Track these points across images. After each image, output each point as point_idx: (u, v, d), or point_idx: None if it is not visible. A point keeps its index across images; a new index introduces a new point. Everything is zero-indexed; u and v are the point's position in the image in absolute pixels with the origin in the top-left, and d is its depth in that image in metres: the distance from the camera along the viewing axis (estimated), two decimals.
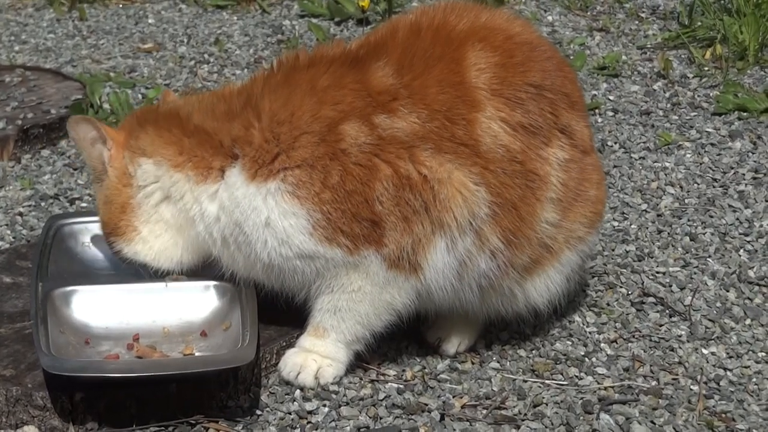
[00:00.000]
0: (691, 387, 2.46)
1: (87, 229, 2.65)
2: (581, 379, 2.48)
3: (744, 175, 3.39)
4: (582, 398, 2.41)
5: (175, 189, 2.40)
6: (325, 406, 2.36)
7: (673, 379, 2.48)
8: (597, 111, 3.84)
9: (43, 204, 3.24)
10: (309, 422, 2.32)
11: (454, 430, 2.30)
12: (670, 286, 2.83)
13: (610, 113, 3.84)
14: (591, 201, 2.49)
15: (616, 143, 3.61)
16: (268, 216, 2.30)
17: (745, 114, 3.78)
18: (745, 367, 2.53)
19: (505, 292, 2.46)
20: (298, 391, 2.39)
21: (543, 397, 2.41)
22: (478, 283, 2.41)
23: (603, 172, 2.62)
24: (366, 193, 2.29)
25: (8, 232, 3.08)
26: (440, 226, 2.33)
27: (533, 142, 2.39)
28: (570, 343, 2.61)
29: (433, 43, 2.40)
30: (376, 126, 2.31)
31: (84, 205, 3.24)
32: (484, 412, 2.36)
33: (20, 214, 3.19)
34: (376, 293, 2.36)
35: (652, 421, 2.34)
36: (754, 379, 2.49)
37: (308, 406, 2.35)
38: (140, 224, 2.44)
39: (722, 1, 4.54)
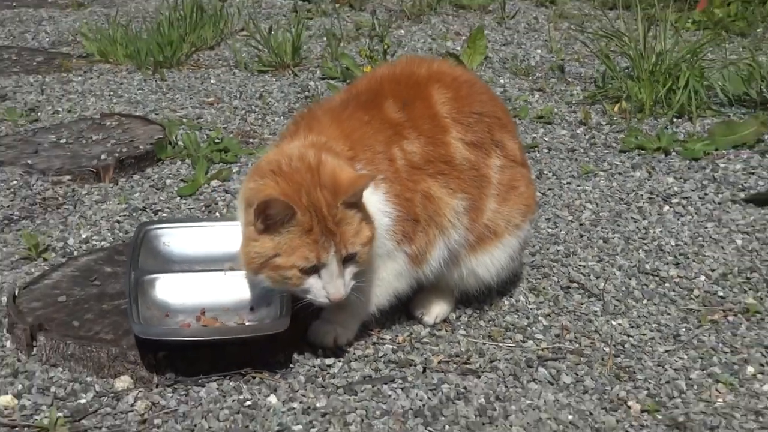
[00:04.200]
0: (604, 348, 2.47)
1: (167, 232, 2.62)
2: (525, 342, 2.49)
3: (642, 195, 3.40)
4: (525, 356, 2.42)
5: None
6: (339, 361, 2.37)
7: (591, 342, 2.50)
8: (536, 149, 3.85)
9: (134, 214, 3.24)
10: (328, 373, 2.33)
11: (433, 379, 2.31)
12: (589, 275, 2.84)
13: (546, 150, 3.85)
14: (523, 196, 2.48)
15: (549, 172, 3.62)
16: (382, 216, 2.25)
17: (643, 151, 3.79)
18: (643, 335, 2.54)
19: (462, 266, 2.45)
20: (320, 351, 2.40)
21: (497, 356, 2.42)
22: (447, 261, 2.42)
23: (531, 178, 2.60)
24: (414, 200, 2.30)
25: (109, 234, 3.09)
26: (441, 229, 2.35)
27: (480, 154, 2.40)
28: (516, 316, 2.62)
29: (408, 87, 2.40)
30: (406, 151, 2.32)
31: (164, 214, 3.24)
32: (455, 366, 2.38)
33: (118, 221, 3.19)
34: (392, 281, 2.35)
35: (576, 373, 2.35)
36: (649, 344, 2.50)
37: (327, 362, 2.36)
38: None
39: (626, 70, 4.56)
